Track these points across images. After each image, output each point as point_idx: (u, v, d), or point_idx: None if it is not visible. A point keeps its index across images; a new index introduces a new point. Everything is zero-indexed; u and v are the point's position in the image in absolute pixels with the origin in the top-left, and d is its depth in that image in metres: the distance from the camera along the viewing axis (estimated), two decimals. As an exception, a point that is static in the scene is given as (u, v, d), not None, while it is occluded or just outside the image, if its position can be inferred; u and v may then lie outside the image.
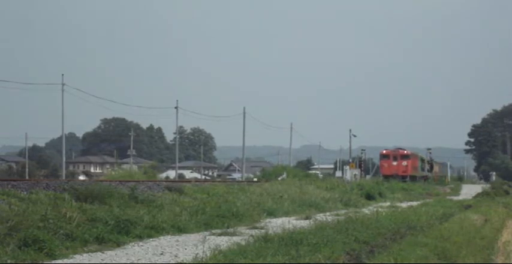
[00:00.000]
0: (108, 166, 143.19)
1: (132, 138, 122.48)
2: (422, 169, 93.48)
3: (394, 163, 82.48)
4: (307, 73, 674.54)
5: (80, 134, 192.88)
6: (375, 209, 31.50)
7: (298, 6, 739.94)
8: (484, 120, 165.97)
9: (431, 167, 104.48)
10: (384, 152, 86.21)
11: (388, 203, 43.63)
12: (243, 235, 20.59)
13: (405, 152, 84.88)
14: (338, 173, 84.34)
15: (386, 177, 78.61)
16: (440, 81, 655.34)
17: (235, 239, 19.20)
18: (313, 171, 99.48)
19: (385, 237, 19.59)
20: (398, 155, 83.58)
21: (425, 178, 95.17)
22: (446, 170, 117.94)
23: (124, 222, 19.95)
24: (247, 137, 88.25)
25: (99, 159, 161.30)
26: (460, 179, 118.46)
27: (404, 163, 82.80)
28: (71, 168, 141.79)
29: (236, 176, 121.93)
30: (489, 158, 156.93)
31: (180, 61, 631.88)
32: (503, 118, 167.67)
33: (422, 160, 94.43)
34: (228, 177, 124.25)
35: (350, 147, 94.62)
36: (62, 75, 72.02)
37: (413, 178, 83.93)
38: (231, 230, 22.25)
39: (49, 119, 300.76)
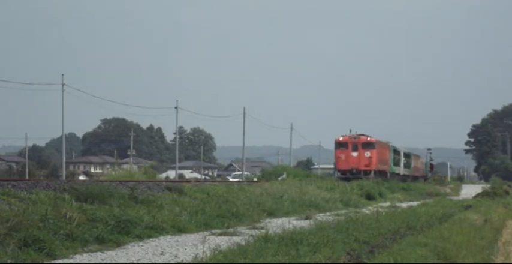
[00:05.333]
0: (108, 166, 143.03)
1: (132, 138, 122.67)
2: (397, 164, 72.63)
3: (354, 154, 61.21)
4: (307, 73, 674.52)
5: (80, 134, 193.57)
6: (375, 209, 31.50)
7: (298, 7, 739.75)
8: (484, 120, 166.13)
9: (432, 167, 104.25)
10: (341, 138, 62.66)
11: (388, 203, 43.67)
12: (243, 235, 20.58)
13: (368, 138, 62.69)
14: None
15: (344, 173, 60.69)
16: (441, 81, 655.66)
17: (235, 239, 19.17)
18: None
19: (385, 237, 19.58)
20: (359, 143, 61.66)
21: (425, 178, 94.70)
22: (446, 170, 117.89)
23: (124, 222, 19.93)
24: (247, 137, 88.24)
25: (99, 159, 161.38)
26: (460, 179, 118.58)
27: (367, 154, 61.30)
28: (71, 168, 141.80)
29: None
30: (489, 158, 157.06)
31: (180, 61, 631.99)
32: (503, 118, 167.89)
33: (397, 152, 73.21)
34: (228, 177, 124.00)
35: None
36: (62, 75, 72.05)
37: (381, 174, 63.42)
38: (231, 230, 22.22)
39: (49, 119, 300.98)
